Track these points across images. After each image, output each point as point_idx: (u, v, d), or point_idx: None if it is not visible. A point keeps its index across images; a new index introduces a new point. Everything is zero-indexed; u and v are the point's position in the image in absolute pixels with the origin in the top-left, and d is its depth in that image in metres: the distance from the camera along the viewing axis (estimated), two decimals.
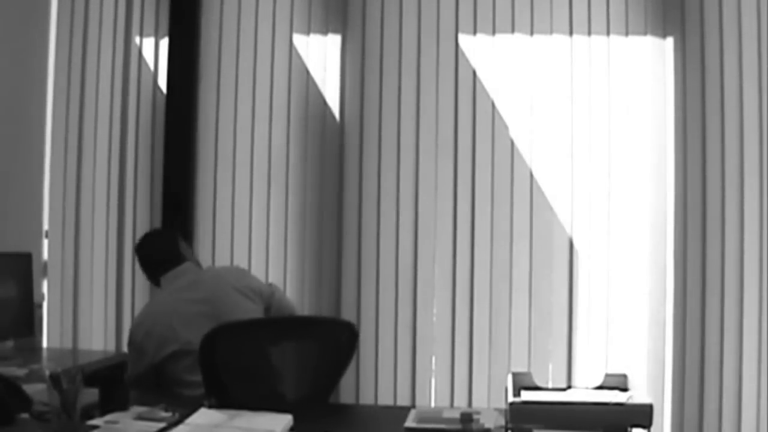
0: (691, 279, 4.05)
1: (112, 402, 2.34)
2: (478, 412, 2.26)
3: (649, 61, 4.13)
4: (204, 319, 2.93)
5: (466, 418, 2.19)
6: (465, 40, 4.23)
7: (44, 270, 4.36)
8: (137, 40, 4.43)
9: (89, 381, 2.23)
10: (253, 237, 4.29)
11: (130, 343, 3.06)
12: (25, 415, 2.24)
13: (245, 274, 3.35)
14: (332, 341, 2.94)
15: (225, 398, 2.52)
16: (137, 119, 4.41)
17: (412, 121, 4.24)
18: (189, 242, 4.10)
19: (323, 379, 2.94)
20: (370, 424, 2.51)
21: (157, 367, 2.97)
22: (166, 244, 3.27)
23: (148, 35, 4.42)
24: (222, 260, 4.26)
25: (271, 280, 4.22)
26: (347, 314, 4.21)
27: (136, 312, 4.27)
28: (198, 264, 3.35)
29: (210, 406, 2.32)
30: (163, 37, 4.39)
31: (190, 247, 3.38)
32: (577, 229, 4.12)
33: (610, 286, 4.10)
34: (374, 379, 4.17)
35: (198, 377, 2.73)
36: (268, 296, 3.22)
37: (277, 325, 3.02)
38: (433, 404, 4.13)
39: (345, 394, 4.18)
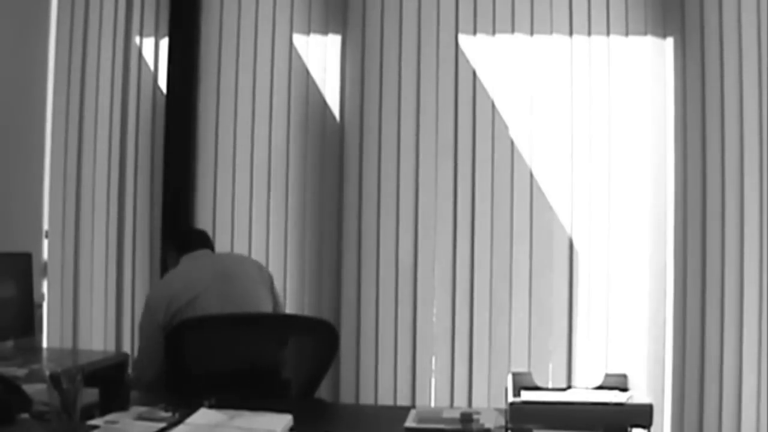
0: (691, 279, 4.05)
1: (112, 402, 2.34)
2: (478, 412, 2.26)
3: (649, 61, 4.13)
4: (215, 293, 3.08)
5: (466, 418, 2.19)
6: (465, 40, 4.23)
7: (44, 270, 4.36)
8: (137, 40, 4.43)
9: (89, 381, 2.23)
10: (253, 237, 4.29)
11: (145, 307, 3.19)
12: (25, 415, 2.24)
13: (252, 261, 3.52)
14: (311, 341, 2.97)
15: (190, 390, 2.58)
16: (137, 119, 4.41)
17: (412, 121, 4.24)
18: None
19: (302, 377, 2.96)
20: (370, 424, 2.51)
21: (165, 333, 3.01)
22: (202, 234, 3.60)
23: (148, 35, 4.42)
24: None
25: None
26: (347, 314, 4.21)
27: (136, 312, 4.28)
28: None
29: (210, 406, 2.31)
30: (163, 37, 4.39)
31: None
32: (577, 229, 4.12)
33: (610, 286, 4.10)
34: (374, 379, 4.16)
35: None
36: (270, 284, 3.37)
37: (255, 322, 3.05)
38: (433, 404, 4.13)
39: (345, 394, 4.18)
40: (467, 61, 4.23)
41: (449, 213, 4.19)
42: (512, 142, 4.18)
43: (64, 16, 4.44)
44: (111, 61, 4.42)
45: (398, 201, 4.23)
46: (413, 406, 3.24)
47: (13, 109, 4.20)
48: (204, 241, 3.48)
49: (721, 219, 4.03)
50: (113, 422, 2.21)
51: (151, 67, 4.42)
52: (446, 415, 2.29)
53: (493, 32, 4.21)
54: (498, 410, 2.32)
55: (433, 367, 4.20)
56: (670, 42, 4.12)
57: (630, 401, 2.13)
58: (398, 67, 4.25)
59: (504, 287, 4.14)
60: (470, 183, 4.19)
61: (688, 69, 4.08)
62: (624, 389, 2.28)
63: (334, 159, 4.28)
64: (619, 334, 4.08)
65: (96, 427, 2.17)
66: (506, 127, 4.19)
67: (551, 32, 4.17)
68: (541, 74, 4.18)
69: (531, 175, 4.17)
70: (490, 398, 4.09)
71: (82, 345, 4.36)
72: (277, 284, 3.51)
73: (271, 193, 4.31)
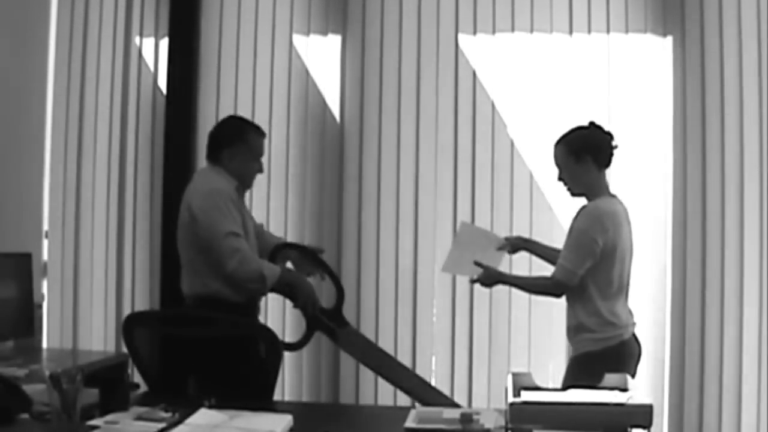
0: (691, 279, 4.05)
1: (112, 402, 2.33)
2: (478, 413, 2.26)
3: (649, 59, 4.13)
4: None
5: (466, 418, 2.19)
6: (465, 40, 4.23)
7: (44, 270, 4.36)
8: (137, 40, 4.43)
9: (89, 381, 2.23)
10: None
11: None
12: (25, 415, 2.24)
13: None
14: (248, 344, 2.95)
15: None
16: (137, 119, 4.41)
17: (412, 121, 4.24)
18: None
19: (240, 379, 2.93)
20: (370, 424, 2.51)
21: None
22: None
23: (148, 35, 4.42)
24: None
25: None
26: (347, 314, 4.18)
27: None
28: None
29: (210, 406, 2.31)
30: (163, 37, 4.39)
31: None
32: None
33: None
34: (374, 379, 4.16)
35: None
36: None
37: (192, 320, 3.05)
38: None
39: (345, 394, 4.18)
40: (467, 61, 4.22)
41: (449, 213, 4.19)
42: (512, 142, 4.18)
43: (64, 16, 4.44)
44: (111, 61, 4.42)
45: (398, 201, 4.23)
46: (413, 406, 3.25)
47: (13, 109, 4.21)
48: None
49: (721, 219, 4.03)
50: (113, 422, 2.20)
51: (151, 67, 4.42)
52: (446, 415, 2.29)
53: (493, 32, 4.21)
54: (498, 410, 2.32)
55: (433, 367, 4.19)
56: (669, 40, 4.12)
57: (630, 401, 2.13)
58: (398, 67, 4.25)
59: (504, 287, 4.13)
60: (470, 183, 4.19)
61: (687, 67, 4.08)
62: (624, 389, 2.28)
63: (334, 159, 4.28)
64: None
65: (96, 427, 2.17)
66: (506, 127, 4.19)
67: (551, 30, 4.17)
68: (541, 73, 4.17)
69: (531, 176, 4.16)
70: (490, 398, 4.09)
71: (82, 345, 4.36)
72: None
73: (271, 193, 4.30)
